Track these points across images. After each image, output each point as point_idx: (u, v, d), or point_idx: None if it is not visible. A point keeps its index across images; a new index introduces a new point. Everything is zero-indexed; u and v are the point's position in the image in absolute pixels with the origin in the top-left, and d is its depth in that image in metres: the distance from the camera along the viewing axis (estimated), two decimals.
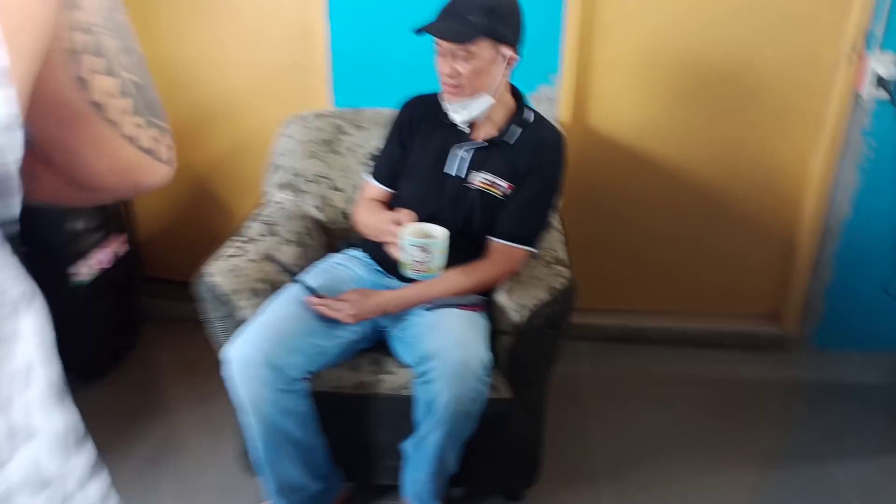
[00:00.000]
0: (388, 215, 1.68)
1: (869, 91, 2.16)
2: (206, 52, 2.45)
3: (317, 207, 2.10)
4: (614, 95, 2.31)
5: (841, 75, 2.20)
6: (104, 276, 2.34)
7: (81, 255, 2.24)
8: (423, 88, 1.83)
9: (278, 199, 2.08)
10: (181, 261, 2.72)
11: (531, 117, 1.76)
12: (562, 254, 1.82)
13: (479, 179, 1.73)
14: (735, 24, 2.19)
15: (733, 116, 2.30)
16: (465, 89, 1.64)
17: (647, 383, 2.38)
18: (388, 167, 1.86)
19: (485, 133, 1.75)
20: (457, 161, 1.75)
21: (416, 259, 1.56)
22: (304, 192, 2.10)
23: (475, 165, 1.73)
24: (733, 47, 2.22)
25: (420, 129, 1.81)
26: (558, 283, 1.68)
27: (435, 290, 1.68)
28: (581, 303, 2.43)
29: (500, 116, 1.74)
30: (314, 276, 1.77)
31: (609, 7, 2.21)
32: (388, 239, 1.65)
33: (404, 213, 1.65)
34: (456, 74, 1.61)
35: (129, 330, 2.54)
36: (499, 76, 1.65)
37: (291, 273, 1.75)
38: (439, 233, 1.59)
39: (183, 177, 2.68)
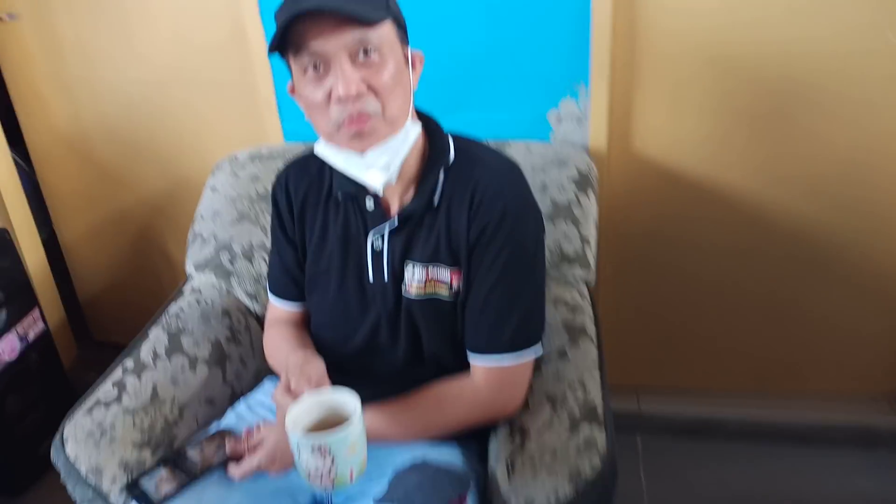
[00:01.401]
0: (282, 381, 1.03)
1: None
2: (126, 69, 1.87)
3: (250, 296, 1.52)
4: (667, 110, 1.63)
5: None
6: (13, 368, 1.84)
7: None
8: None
9: (197, 285, 1.51)
10: (131, 321, 2.22)
11: (449, 151, 1.10)
12: (594, 394, 1.18)
13: (416, 282, 1.09)
14: (835, 9, 1.47)
15: (835, 137, 1.59)
16: (384, 119, 0.98)
17: (724, 500, 1.75)
18: (284, 277, 1.24)
19: (396, 198, 1.10)
20: (375, 258, 1.11)
21: (312, 469, 0.92)
22: (231, 272, 1.51)
23: (398, 256, 1.10)
24: (833, 42, 1.49)
25: (307, 216, 1.18)
26: (588, 465, 1.05)
27: (394, 431, 1.09)
28: (632, 380, 1.83)
29: (412, 163, 1.08)
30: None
31: None
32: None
33: (300, 380, 1.00)
34: (364, 93, 0.95)
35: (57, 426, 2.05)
36: (411, 87, 1.04)
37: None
38: (350, 415, 0.93)
39: (119, 224, 2.17)
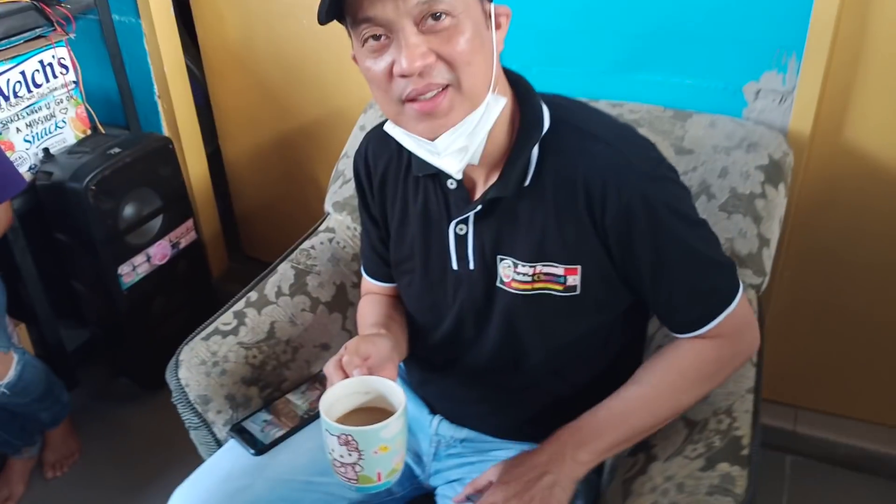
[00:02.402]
0: (337, 354, 0.93)
1: None
2: None
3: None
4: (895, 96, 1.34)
5: None
6: (162, 272, 1.91)
7: (135, 248, 1.82)
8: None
9: (332, 225, 1.46)
10: (278, 241, 2.26)
11: (543, 121, 0.90)
12: (742, 426, 0.99)
13: (518, 277, 0.93)
14: None
15: None
16: (460, 93, 0.81)
17: None
18: (373, 255, 1.12)
19: (482, 177, 0.94)
20: (459, 243, 0.96)
21: (337, 458, 0.83)
22: None
23: (489, 246, 0.94)
24: None
25: (387, 193, 1.04)
26: None
27: (647, 411, 0.94)
28: (792, 397, 1.70)
29: (500, 138, 0.90)
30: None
31: None
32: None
33: (353, 357, 0.89)
34: (432, 65, 0.79)
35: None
36: (494, 54, 0.85)
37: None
38: (394, 411, 0.82)
39: (277, 147, 2.18)
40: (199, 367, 1.16)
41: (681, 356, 0.95)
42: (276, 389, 1.20)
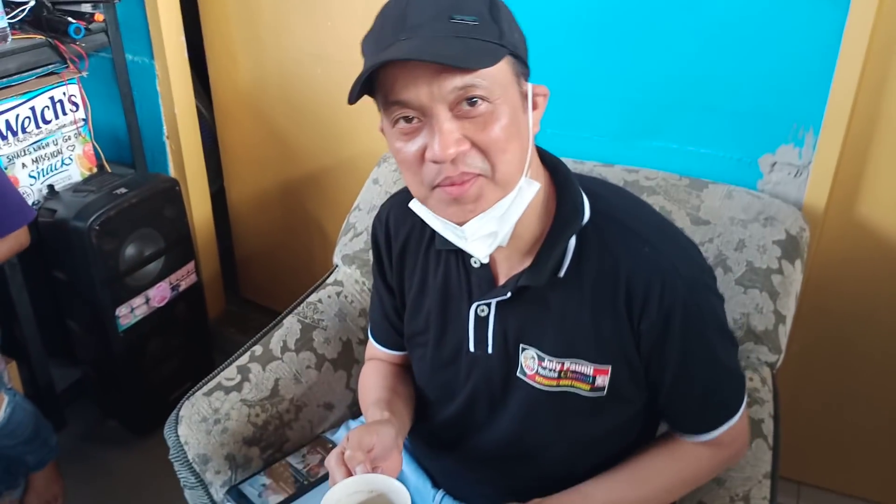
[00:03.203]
0: (339, 445, 0.86)
1: None
2: (315, 43, 1.83)
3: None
4: None
5: None
6: (160, 314, 1.88)
7: (134, 290, 1.79)
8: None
9: (340, 278, 1.43)
10: (278, 286, 2.23)
11: (584, 211, 0.87)
12: None
13: (544, 372, 0.89)
14: None
15: None
16: (493, 180, 0.78)
17: None
18: (384, 323, 1.08)
19: (508, 261, 0.90)
20: (479, 324, 0.93)
21: None
22: None
23: (512, 334, 0.91)
24: None
25: (406, 263, 1.00)
26: None
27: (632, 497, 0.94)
28: (796, 473, 1.69)
29: (531, 222, 0.86)
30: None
31: None
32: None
33: (355, 452, 0.82)
34: (466, 152, 0.75)
35: (196, 375, 2.09)
36: (530, 136, 0.82)
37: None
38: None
39: (283, 192, 2.17)
40: (199, 424, 1.12)
41: (682, 460, 0.95)
42: (278, 451, 1.17)
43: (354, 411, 1.29)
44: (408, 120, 0.76)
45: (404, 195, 0.99)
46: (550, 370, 0.89)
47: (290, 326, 1.30)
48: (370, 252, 1.41)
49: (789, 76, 1.30)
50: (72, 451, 1.91)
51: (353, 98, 0.77)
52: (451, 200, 0.78)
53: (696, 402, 0.92)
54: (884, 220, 1.39)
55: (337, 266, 1.46)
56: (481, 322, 0.92)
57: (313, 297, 1.38)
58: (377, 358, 1.11)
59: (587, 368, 0.87)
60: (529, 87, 0.82)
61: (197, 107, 2.10)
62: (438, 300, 0.95)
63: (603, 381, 0.88)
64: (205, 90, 2.16)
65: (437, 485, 1.07)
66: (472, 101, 0.74)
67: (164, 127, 2.00)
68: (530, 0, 1.42)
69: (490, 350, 0.92)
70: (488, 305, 0.91)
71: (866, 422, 1.58)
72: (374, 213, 1.44)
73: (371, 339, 1.12)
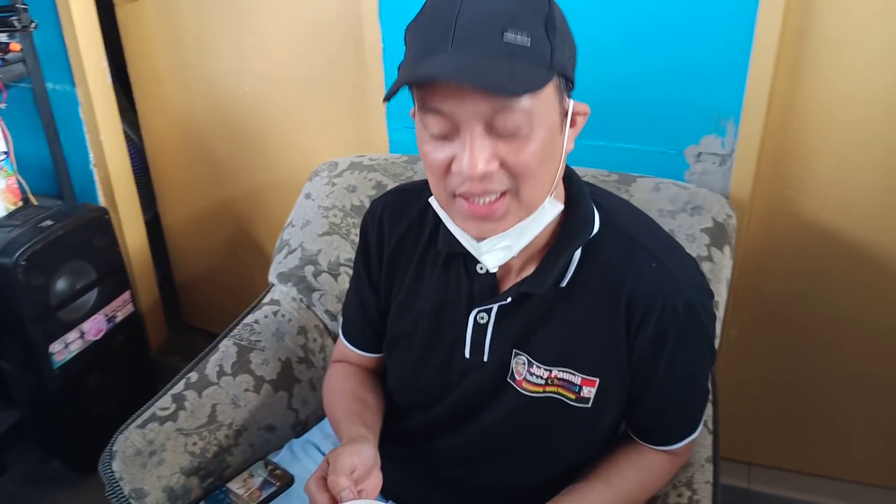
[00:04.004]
0: (319, 468, 0.83)
1: None
2: (241, 61, 1.80)
3: (331, 314, 1.40)
4: (831, 158, 1.38)
5: None
6: (97, 348, 1.82)
7: (67, 324, 1.73)
8: None
9: (277, 297, 1.41)
10: (220, 310, 2.19)
11: (593, 225, 0.87)
12: (703, 499, 0.98)
13: (532, 378, 0.89)
14: None
15: None
16: (518, 201, 0.77)
17: None
18: (361, 322, 1.05)
19: (515, 269, 0.90)
20: (477, 331, 0.92)
21: None
22: (314, 287, 1.40)
23: (508, 340, 0.90)
24: None
25: (399, 263, 0.97)
26: None
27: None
28: (744, 455, 1.72)
29: (542, 234, 0.86)
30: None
31: (837, 15, 1.27)
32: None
33: (338, 478, 0.78)
34: (495, 172, 0.74)
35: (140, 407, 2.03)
36: (562, 157, 0.81)
37: None
38: None
39: (220, 214, 2.13)
40: (134, 458, 1.08)
41: (646, 469, 0.96)
42: (219, 478, 1.13)
43: (297, 431, 1.27)
44: (440, 127, 0.75)
45: (403, 193, 0.98)
46: (538, 377, 0.88)
47: (225, 350, 1.27)
48: (306, 268, 1.40)
49: (707, 68, 1.33)
50: (14, 496, 1.84)
51: (388, 97, 0.74)
52: (473, 216, 0.78)
53: (669, 415, 0.93)
54: (809, 202, 1.43)
55: (273, 285, 1.43)
56: (480, 329, 0.91)
57: (249, 319, 1.35)
58: (346, 360, 1.08)
59: (575, 378, 0.87)
60: (571, 104, 0.80)
61: (126, 133, 2.05)
62: (434, 302, 0.93)
63: (589, 392, 0.88)
64: (134, 112, 2.12)
65: (385, 494, 1.06)
66: (508, 125, 0.73)
67: (91, 155, 1.95)
68: None
69: (486, 358, 0.91)
70: (488, 313, 0.90)
71: (809, 397, 1.61)
72: (308, 228, 1.43)
73: (342, 340, 1.09)
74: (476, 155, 0.72)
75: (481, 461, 0.97)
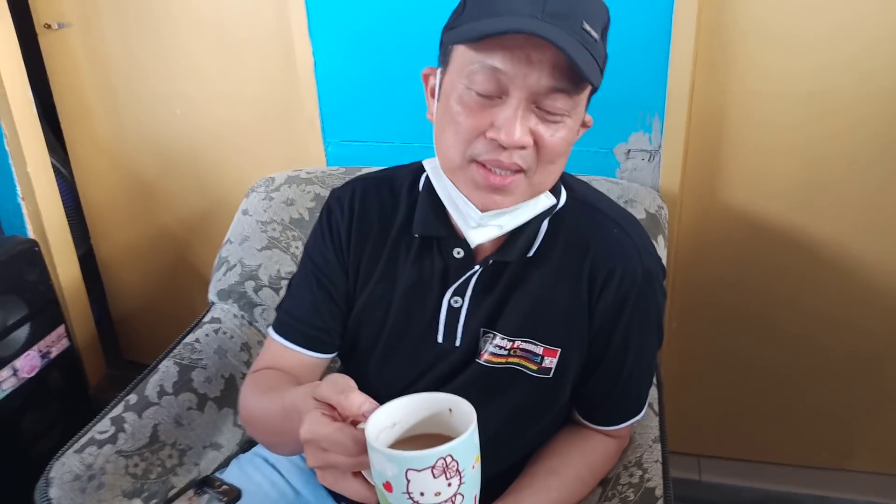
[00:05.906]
0: (313, 411, 0.64)
1: None
2: (171, 83, 1.79)
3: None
4: (754, 150, 1.44)
5: None
6: (32, 385, 1.75)
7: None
8: None
9: (218, 315, 1.38)
10: (162, 341, 2.13)
11: (560, 198, 0.90)
12: (653, 476, 0.99)
13: (494, 349, 0.89)
14: None
15: None
16: (530, 181, 0.79)
17: None
18: (313, 318, 0.94)
19: (487, 251, 0.90)
20: (451, 315, 0.90)
21: (431, 501, 0.57)
22: (255, 303, 1.38)
23: (479, 320, 0.89)
24: None
25: (366, 249, 0.93)
26: None
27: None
28: (693, 447, 1.74)
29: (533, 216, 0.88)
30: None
31: (747, 8, 1.34)
32: (333, 462, 0.63)
33: (338, 395, 0.63)
34: (528, 146, 0.75)
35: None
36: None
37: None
38: (464, 417, 0.61)
39: (156, 242, 2.09)
40: (72, 483, 1.04)
41: (590, 452, 0.97)
42: (164, 500, 1.10)
43: (245, 448, 1.24)
44: (487, 87, 0.74)
45: (372, 180, 0.96)
46: (502, 348, 0.89)
47: (166, 370, 1.24)
48: (246, 284, 1.38)
49: (631, 66, 1.37)
50: None
51: (479, 38, 0.71)
52: (486, 185, 0.78)
53: (617, 391, 0.94)
54: (736, 192, 1.48)
55: (213, 303, 1.41)
56: (453, 313, 0.90)
57: (190, 338, 1.32)
58: (276, 367, 0.95)
59: (537, 348, 0.88)
60: (588, 116, 0.84)
61: (56, 167, 2.00)
62: (407, 289, 0.91)
63: (551, 362, 0.89)
64: (62, 148, 2.06)
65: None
66: (555, 106, 0.75)
67: (18, 188, 1.89)
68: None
69: (458, 342, 0.91)
70: (462, 296, 0.90)
71: (751, 384, 1.66)
72: (247, 244, 1.41)
73: (279, 341, 0.96)
74: (523, 125, 0.74)
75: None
